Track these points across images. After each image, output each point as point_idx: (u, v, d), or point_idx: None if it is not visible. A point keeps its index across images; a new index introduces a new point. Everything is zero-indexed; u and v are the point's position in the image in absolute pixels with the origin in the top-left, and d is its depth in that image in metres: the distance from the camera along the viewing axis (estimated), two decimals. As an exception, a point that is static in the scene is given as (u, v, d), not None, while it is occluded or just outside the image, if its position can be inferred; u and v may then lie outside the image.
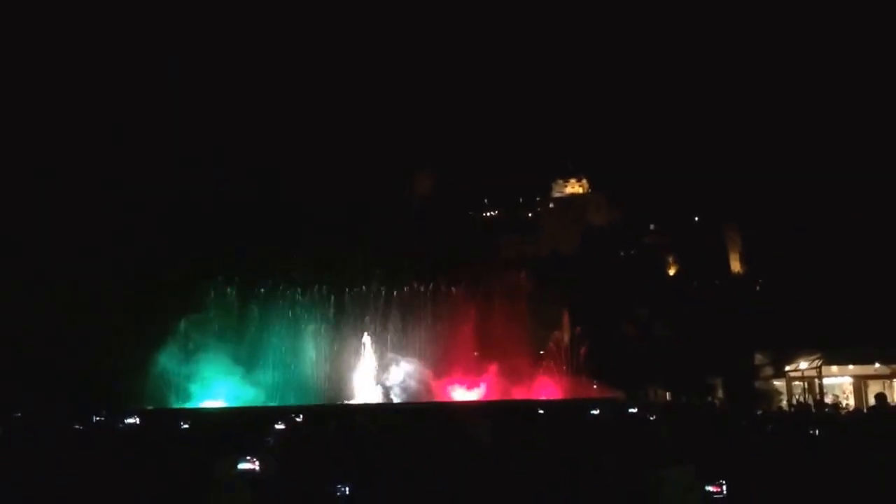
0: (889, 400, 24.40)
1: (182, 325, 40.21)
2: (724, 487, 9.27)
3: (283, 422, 21.67)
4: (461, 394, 42.43)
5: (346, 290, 45.92)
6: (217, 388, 39.94)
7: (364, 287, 46.14)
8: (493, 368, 42.85)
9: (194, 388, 39.65)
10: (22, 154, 51.05)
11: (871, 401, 21.52)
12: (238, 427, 21.39)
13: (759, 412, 24.00)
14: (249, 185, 56.72)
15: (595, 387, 41.36)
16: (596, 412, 26.25)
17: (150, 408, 33.85)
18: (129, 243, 47.01)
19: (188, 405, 37.78)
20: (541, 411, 26.80)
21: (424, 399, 40.52)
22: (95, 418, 26.58)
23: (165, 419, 28.03)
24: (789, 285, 42.00)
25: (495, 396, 40.41)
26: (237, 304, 43.00)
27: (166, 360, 38.77)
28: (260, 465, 11.36)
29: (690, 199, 65.42)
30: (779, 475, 11.26)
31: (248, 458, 11.32)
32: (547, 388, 42.71)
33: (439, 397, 41.43)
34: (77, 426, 24.91)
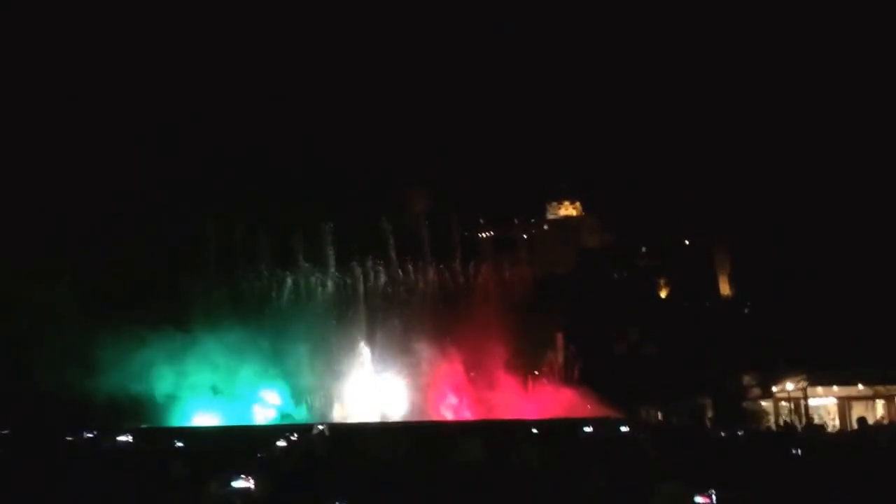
0: (872, 421, 24.96)
1: (173, 338, 39.99)
2: (714, 497, 9.61)
3: (281, 440, 21.88)
4: (456, 412, 42.52)
5: (342, 305, 46.08)
6: (211, 405, 39.84)
7: (359, 304, 46.32)
8: (488, 387, 43.04)
9: (185, 404, 39.49)
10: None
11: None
12: (233, 445, 21.56)
13: (746, 432, 24.42)
14: (239, 197, 56.75)
15: (589, 406, 41.62)
16: (589, 430, 26.62)
17: (144, 426, 33.76)
18: (119, 251, 46.41)
19: (180, 423, 37.62)
20: (534, 430, 27.11)
21: (418, 417, 40.60)
22: (86, 435, 26.62)
23: (159, 437, 28.04)
24: (777, 307, 42.72)
25: (489, 415, 40.58)
26: (230, 320, 42.92)
27: (154, 376, 38.56)
28: (254, 483, 11.57)
29: (681, 222, 66.60)
30: (763, 489, 11.69)
31: (243, 476, 11.52)
32: (541, 406, 42.92)
33: (433, 416, 41.51)
34: (68, 439, 24.96)
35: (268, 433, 27.87)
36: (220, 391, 40.23)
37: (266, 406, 41.20)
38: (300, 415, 40.81)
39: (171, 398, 38.89)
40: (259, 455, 18.80)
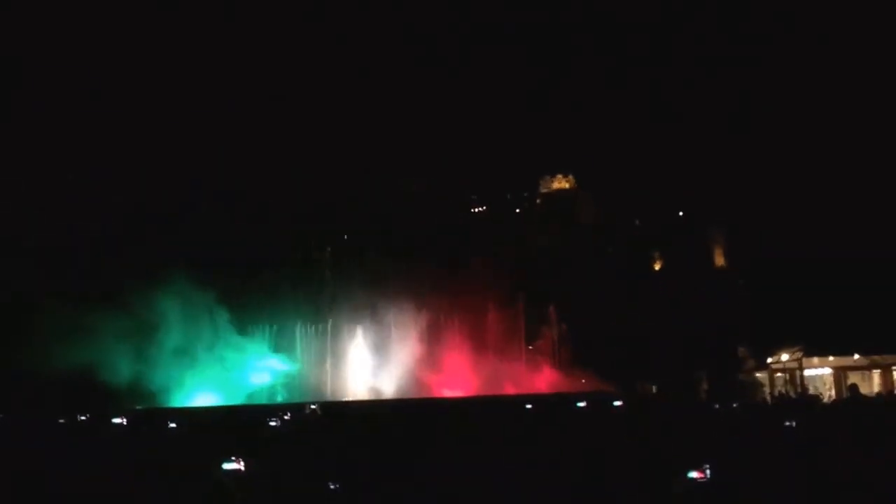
0: (869, 390, 24.99)
1: (170, 321, 39.61)
2: (708, 472, 9.44)
3: (274, 420, 21.72)
4: (452, 389, 42.65)
5: (339, 284, 45.79)
6: (204, 385, 39.71)
7: (357, 282, 46.01)
8: (483, 363, 43.14)
9: (181, 386, 39.34)
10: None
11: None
12: (225, 426, 21.41)
13: (740, 404, 24.43)
14: (235, 185, 55.97)
15: (584, 381, 41.80)
16: (582, 405, 26.66)
17: (138, 407, 33.58)
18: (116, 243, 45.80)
19: (176, 403, 37.52)
20: (529, 406, 27.14)
21: (416, 394, 40.69)
22: (80, 417, 26.42)
23: (153, 419, 27.86)
24: (772, 279, 42.67)
25: (485, 391, 40.71)
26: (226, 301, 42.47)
27: (152, 358, 38.29)
28: (246, 465, 11.36)
29: (674, 195, 66.40)
30: (758, 461, 11.56)
31: (234, 458, 11.30)
32: (536, 382, 43.13)
33: (430, 392, 41.62)
34: (60, 421, 24.76)
35: (261, 413, 27.73)
36: (222, 369, 40.18)
37: (258, 382, 41.12)
38: (293, 394, 40.78)
39: (169, 383, 38.66)
40: (265, 427, 18.92)
